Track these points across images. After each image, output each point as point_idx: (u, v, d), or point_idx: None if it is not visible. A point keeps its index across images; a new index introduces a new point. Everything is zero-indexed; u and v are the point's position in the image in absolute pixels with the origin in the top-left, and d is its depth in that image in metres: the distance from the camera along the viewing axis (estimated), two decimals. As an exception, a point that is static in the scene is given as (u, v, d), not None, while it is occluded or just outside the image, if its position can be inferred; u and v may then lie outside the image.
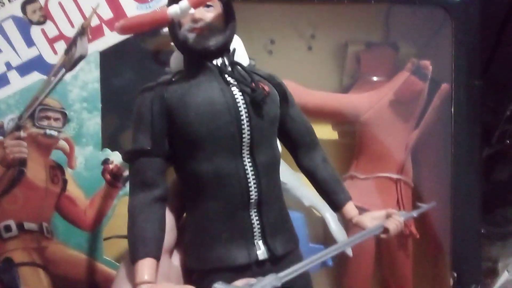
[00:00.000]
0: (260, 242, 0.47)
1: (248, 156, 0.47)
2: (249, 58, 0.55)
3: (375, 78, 0.76)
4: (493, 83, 0.75)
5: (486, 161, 0.85)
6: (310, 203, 0.74)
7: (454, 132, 0.70)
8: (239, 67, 0.49)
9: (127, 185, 0.66)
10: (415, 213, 0.59)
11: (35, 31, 0.65)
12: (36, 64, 0.65)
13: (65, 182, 0.65)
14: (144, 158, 0.46)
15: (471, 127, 0.70)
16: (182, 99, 0.46)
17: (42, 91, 0.65)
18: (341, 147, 0.79)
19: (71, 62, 0.65)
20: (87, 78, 0.65)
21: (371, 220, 0.52)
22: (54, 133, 0.65)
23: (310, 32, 0.79)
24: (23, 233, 0.65)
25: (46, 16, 0.65)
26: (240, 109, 0.46)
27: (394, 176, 0.72)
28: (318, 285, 0.65)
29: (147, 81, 0.72)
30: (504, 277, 0.81)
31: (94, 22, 0.65)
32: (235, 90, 0.47)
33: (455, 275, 0.69)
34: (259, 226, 0.47)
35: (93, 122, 0.65)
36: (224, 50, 0.48)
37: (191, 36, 0.47)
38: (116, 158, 0.66)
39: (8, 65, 0.65)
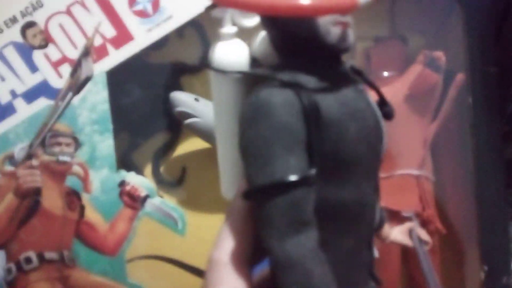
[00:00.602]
0: (370, 281, 0.40)
1: (374, 181, 0.40)
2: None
3: (386, 74, 0.75)
4: (498, 62, 0.74)
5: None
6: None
7: (474, 122, 0.69)
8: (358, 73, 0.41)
9: (146, 205, 0.65)
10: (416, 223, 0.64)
11: (38, 55, 0.63)
12: (42, 89, 0.63)
13: (82, 208, 0.64)
14: (302, 189, 0.35)
15: (490, 116, 0.69)
16: (337, 110, 0.36)
17: (51, 117, 0.63)
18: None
19: (77, 84, 0.63)
20: (95, 99, 0.64)
21: (401, 234, 0.54)
22: (67, 158, 0.63)
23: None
24: (44, 264, 0.64)
25: (47, 40, 0.63)
26: (381, 125, 0.40)
27: (415, 172, 0.71)
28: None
29: (156, 97, 0.72)
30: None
31: (97, 41, 0.63)
32: (370, 100, 0.40)
33: (486, 268, 0.68)
34: (370, 263, 0.40)
35: (106, 144, 0.64)
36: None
37: (336, 31, 0.37)
38: (132, 179, 0.65)
39: (13, 93, 0.63)
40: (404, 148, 0.72)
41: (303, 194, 0.35)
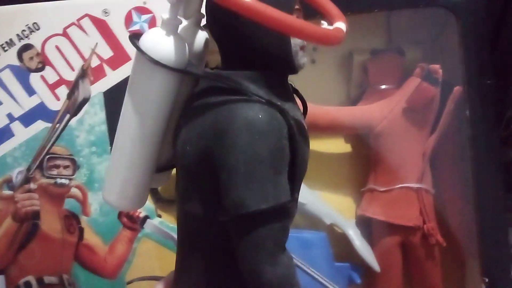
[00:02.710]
0: None
1: None
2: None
3: (383, 87, 0.75)
4: (496, 69, 0.74)
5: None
6: (331, 221, 0.72)
7: (472, 134, 0.69)
8: None
9: (145, 227, 0.65)
10: None
11: (35, 78, 0.63)
12: (39, 112, 0.63)
13: (81, 230, 0.64)
14: (290, 212, 0.36)
15: (488, 128, 0.69)
16: (300, 131, 0.37)
17: (48, 139, 0.63)
18: (356, 160, 0.77)
19: (75, 106, 0.63)
20: (93, 121, 0.64)
21: None
22: (65, 181, 0.63)
23: (311, 45, 0.77)
24: (44, 288, 0.64)
25: (44, 62, 0.63)
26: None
27: (415, 185, 0.71)
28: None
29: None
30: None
31: (94, 62, 0.63)
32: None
33: (487, 280, 0.68)
34: None
35: (104, 166, 0.64)
36: None
37: (301, 54, 0.40)
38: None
39: (11, 117, 0.63)
40: (403, 161, 0.72)
41: (288, 216, 0.36)
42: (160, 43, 0.38)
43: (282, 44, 0.38)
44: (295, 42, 0.38)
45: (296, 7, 0.39)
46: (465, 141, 0.70)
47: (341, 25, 0.39)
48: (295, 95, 0.42)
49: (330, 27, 0.38)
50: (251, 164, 0.34)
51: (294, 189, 0.37)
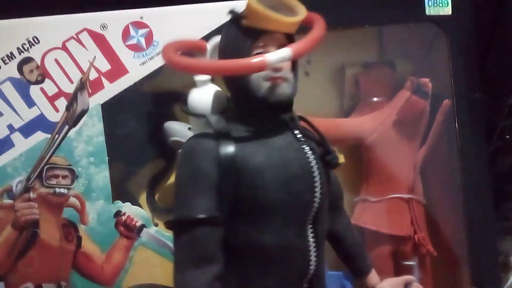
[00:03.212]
0: None
1: (311, 226, 0.42)
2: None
3: (375, 99, 0.77)
4: (489, 79, 0.76)
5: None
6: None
7: (461, 145, 0.70)
8: (303, 123, 0.45)
9: (142, 235, 0.66)
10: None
11: (34, 90, 0.65)
12: (39, 123, 0.65)
13: (79, 239, 0.65)
14: (206, 228, 0.39)
15: (476, 140, 0.71)
16: (254, 159, 0.40)
17: (48, 150, 0.64)
18: (348, 170, 0.79)
19: (73, 118, 0.65)
20: (91, 132, 0.65)
21: (392, 286, 0.52)
22: (64, 191, 0.64)
23: (305, 57, 0.79)
24: (42, 295, 0.65)
25: (44, 75, 0.65)
26: (314, 173, 0.42)
27: (406, 196, 0.72)
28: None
29: (150, 127, 0.74)
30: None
31: (93, 75, 0.65)
32: (306, 150, 0.43)
33: (477, 289, 0.69)
34: None
35: (102, 176, 0.65)
36: (291, 103, 0.44)
37: (266, 86, 0.41)
38: (127, 209, 0.66)
39: (11, 128, 0.65)
40: (394, 172, 0.74)
41: (205, 232, 0.39)
42: (190, 97, 0.48)
43: (241, 84, 0.42)
44: (258, 75, 0.41)
45: (261, 44, 0.41)
46: (455, 152, 0.71)
47: (279, 50, 0.40)
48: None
49: (253, 58, 0.41)
50: (176, 183, 0.41)
51: (237, 211, 0.40)
